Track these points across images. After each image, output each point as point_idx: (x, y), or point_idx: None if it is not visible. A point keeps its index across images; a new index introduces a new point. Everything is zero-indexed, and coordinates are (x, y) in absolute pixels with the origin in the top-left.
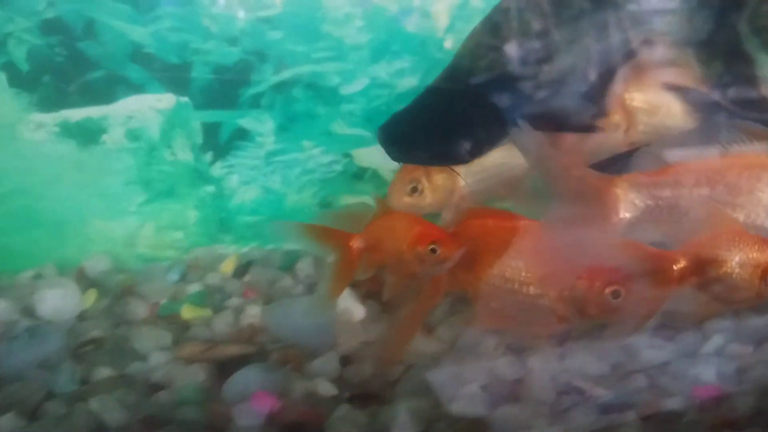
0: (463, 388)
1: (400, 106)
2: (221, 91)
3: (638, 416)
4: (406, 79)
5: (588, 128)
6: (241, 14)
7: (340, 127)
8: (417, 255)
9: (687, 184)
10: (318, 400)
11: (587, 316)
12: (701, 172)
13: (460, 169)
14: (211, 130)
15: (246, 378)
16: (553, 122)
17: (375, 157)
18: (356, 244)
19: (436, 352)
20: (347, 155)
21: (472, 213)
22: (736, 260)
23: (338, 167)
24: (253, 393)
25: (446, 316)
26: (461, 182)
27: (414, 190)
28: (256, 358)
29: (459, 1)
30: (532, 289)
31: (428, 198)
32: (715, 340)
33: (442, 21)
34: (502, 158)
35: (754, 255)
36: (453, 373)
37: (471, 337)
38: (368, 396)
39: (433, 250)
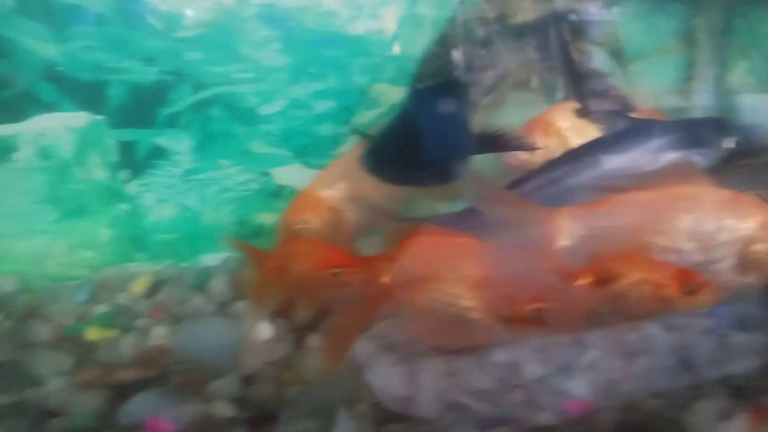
0: (354, 407)
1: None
2: (138, 110)
3: (513, 431)
4: (324, 101)
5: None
6: (158, 35)
7: (258, 147)
8: (320, 279)
9: (618, 215)
10: (214, 423)
11: (514, 329)
12: (630, 203)
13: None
14: (127, 149)
15: (142, 403)
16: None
17: (292, 175)
18: (271, 263)
19: (333, 371)
20: (265, 174)
21: (416, 230)
22: (633, 278)
23: (256, 185)
24: (148, 418)
25: None
26: (346, 217)
27: (303, 229)
28: (157, 382)
29: (377, 26)
30: (465, 303)
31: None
32: (591, 354)
33: (361, 46)
34: (381, 191)
35: (650, 275)
36: (347, 392)
37: (366, 356)
38: (266, 416)
39: (335, 274)
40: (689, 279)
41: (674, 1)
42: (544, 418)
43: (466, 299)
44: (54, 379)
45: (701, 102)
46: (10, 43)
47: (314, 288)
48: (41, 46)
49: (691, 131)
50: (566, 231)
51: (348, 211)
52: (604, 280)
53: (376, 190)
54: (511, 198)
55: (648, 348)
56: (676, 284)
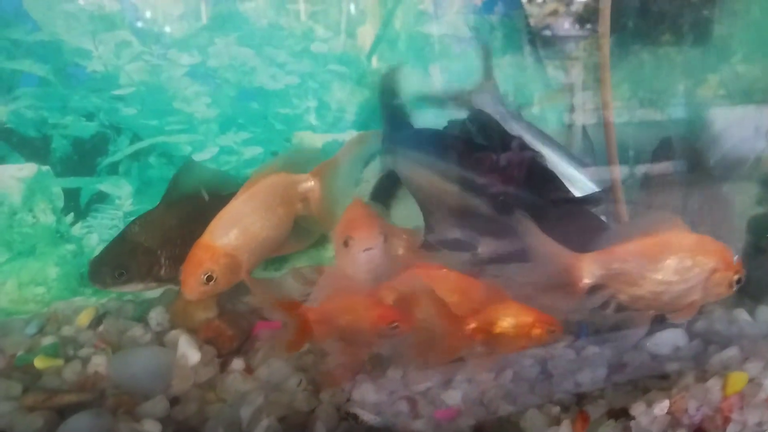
0: (262, 421)
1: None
2: (80, 160)
3: None
4: (251, 147)
5: None
6: (96, 93)
7: None
8: (379, 332)
9: (626, 258)
10: None
11: None
12: (634, 249)
13: (241, 246)
14: (71, 195)
15: (77, 423)
16: None
17: None
18: (311, 315)
19: (250, 390)
20: None
21: (408, 263)
22: (511, 323)
23: None
24: None
25: (267, 358)
26: (243, 258)
27: (209, 279)
28: (93, 404)
29: (294, 81)
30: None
31: (221, 283)
32: (468, 369)
33: (281, 98)
34: (269, 228)
35: (522, 319)
36: (258, 408)
37: (281, 377)
38: (188, 431)
39: (395, 327)
40: (550, 323)
41: None
42: (418, 425)
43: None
44: (3, 403)
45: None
46: None
47: (368, 338)
48: None
49: None
50: (588, 271)
51: (241, 254)
52: (489, 323)
53: (266, 231)
54: (549, 242)
55: (518, 361)
56: (541, 326)
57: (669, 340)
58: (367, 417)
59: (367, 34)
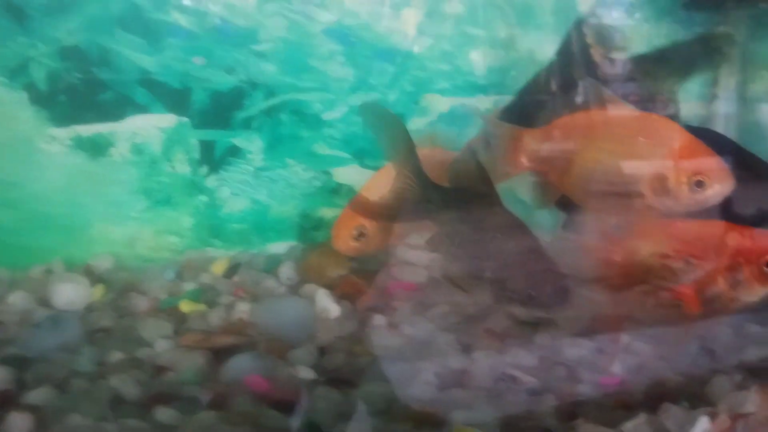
0: (418, 376)
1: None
2: (217, 113)
3: (555, 399)
4: None
5: None
6: (237, 48)
7: (321, 148)
8: None
9: None
10: (300, 383)
11: None
12: None
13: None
14: (207, 147)
15: (240, 363)
16: None
17: (351, 174)
18: None
19: (397, 346)
20: (326, 172)
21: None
22: None
23: (318, 183)
24: (246, 376)
25: (410, 315)
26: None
27: (361, 235)
28: (247, 348)
29: (428, 43)
30: None
31: (373, 242)
32: (623, 339)
33: (414, 60)
34: None
35: None
36: (411, 365)
37: (427, 335)
38: (341, 380)
39: None
40: None
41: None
42: (582, 389)
43: None
44: (160, 342)
45: (724, 110)
46: (112, 53)
47: None
48: (138, 56)
49: None
50: None
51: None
52: None
53: None
54: None
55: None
56: None
57: None
58: (526, 379)
59: None
